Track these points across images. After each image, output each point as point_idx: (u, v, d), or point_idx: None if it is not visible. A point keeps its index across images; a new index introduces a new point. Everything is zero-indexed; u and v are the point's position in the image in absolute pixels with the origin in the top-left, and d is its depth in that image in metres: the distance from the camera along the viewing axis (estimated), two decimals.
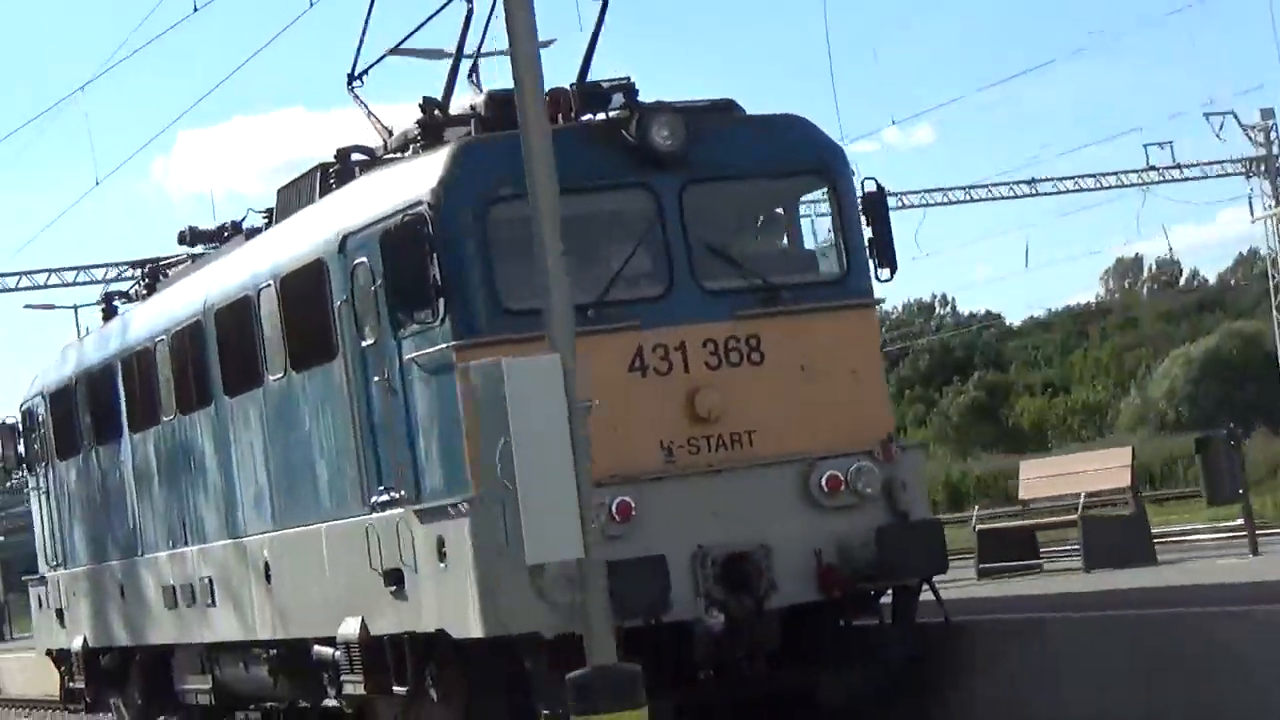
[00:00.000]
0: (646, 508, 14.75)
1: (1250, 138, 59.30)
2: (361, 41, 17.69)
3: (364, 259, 15.84)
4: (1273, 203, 58.75)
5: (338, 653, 16.90)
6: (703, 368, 15.20)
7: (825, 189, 15.99)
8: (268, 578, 18.34)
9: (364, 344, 15.97)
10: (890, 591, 15.75)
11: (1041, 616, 15.73)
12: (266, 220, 20.03)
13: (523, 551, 7.93)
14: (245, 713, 21.94)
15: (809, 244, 16.36)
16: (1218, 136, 58.54)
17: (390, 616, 16.00)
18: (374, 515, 16.05)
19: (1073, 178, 58.60)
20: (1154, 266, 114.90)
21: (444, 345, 14.89)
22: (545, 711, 14.69)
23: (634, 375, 15.05)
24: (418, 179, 15.31)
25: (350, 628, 16.47)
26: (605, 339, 14.95)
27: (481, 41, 17.31)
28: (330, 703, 17.74)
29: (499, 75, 16.72)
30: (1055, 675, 15.08)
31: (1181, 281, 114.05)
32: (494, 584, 14.53)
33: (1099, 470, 21.57)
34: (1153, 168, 58.26)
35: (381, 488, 15.88)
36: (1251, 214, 58.27)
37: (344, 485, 16.60)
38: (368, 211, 15.95)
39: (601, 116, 15.70)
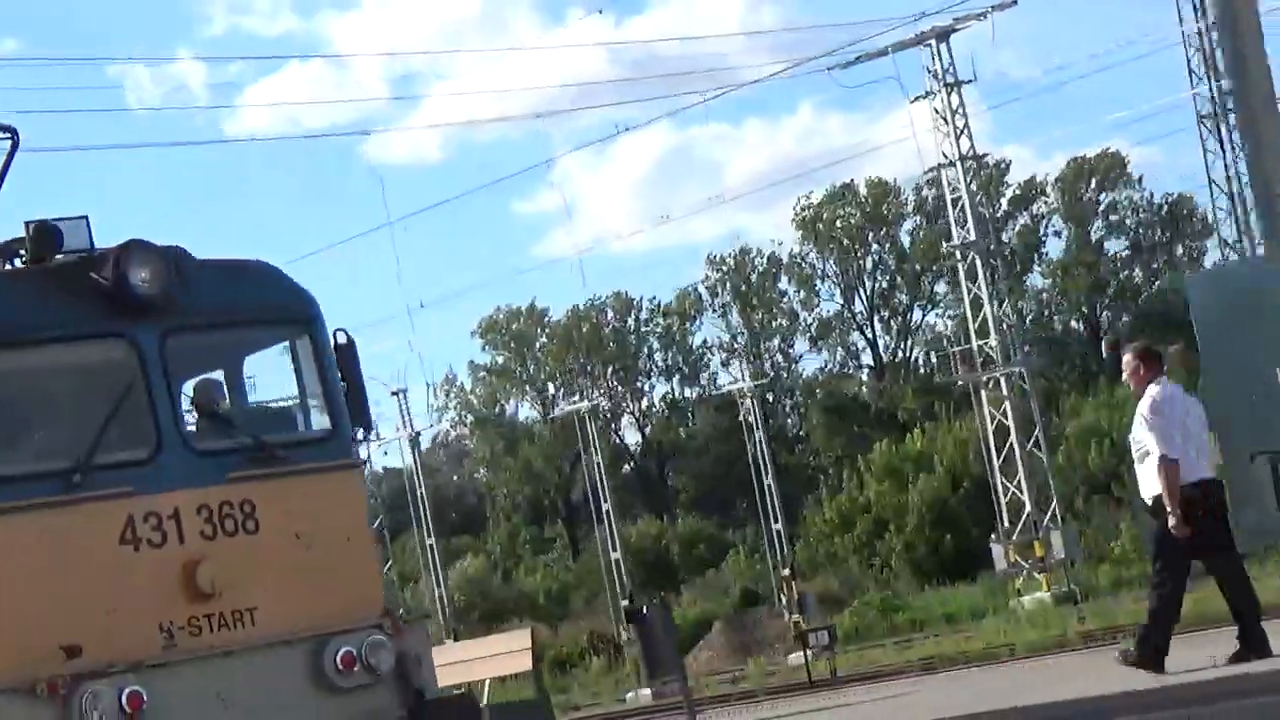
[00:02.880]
0: (156, 699, 12.80)
1: None
2: None
3: None
4: None
5: None
6: (198, 538, 13.42)
7: (306, 338, 14.52)
8: None
9: None
10: None
11: None
12: None
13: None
14: None
15: (286, 398, 14.83)
16: None
17: None
18: None
19: None
20: None
21: None
22: None
23: (126, 548, 13.14)
24: None
25: None
26: (93, 508, 13.07)
27: None
28: None
29: None
30: None
31: None
32: None
33: (497, 656, 20.41)
34: None
35: None
36: None
37: None
38: None
39: (66, 258, 13.68)
